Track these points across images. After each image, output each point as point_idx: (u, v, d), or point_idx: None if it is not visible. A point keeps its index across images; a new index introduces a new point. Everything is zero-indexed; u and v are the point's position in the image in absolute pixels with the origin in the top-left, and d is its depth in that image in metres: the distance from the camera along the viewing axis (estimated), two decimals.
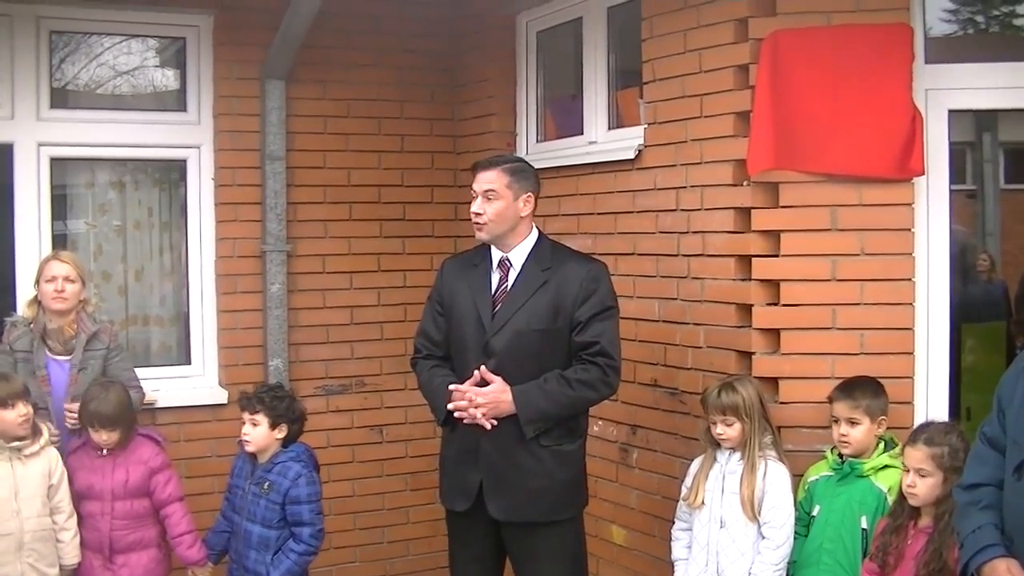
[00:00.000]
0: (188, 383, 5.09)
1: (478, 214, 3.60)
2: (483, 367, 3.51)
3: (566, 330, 3.56)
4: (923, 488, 3.18)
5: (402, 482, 5.44)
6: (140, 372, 4.44)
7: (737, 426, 3.57)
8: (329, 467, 4.96)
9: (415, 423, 5.35)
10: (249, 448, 4.04)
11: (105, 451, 3.97)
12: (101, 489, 3.94)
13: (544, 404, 3.50)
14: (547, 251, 3.67)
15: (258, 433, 4.01)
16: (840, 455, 3.53)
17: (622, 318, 4.22)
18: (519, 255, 3.66)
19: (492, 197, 3.58)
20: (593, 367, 3.53)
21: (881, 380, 3.58)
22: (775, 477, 3.52)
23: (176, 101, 5.20)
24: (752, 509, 3.50)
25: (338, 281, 5.31)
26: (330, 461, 5.05)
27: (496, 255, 3.68)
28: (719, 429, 3.60)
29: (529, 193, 3.65)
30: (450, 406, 3.53)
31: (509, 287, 3.62)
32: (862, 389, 3.52)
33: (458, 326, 3.67)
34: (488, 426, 3.50)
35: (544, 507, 3.57)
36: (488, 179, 3.60)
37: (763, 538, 3.51)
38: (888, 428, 3.54)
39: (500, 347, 3.55)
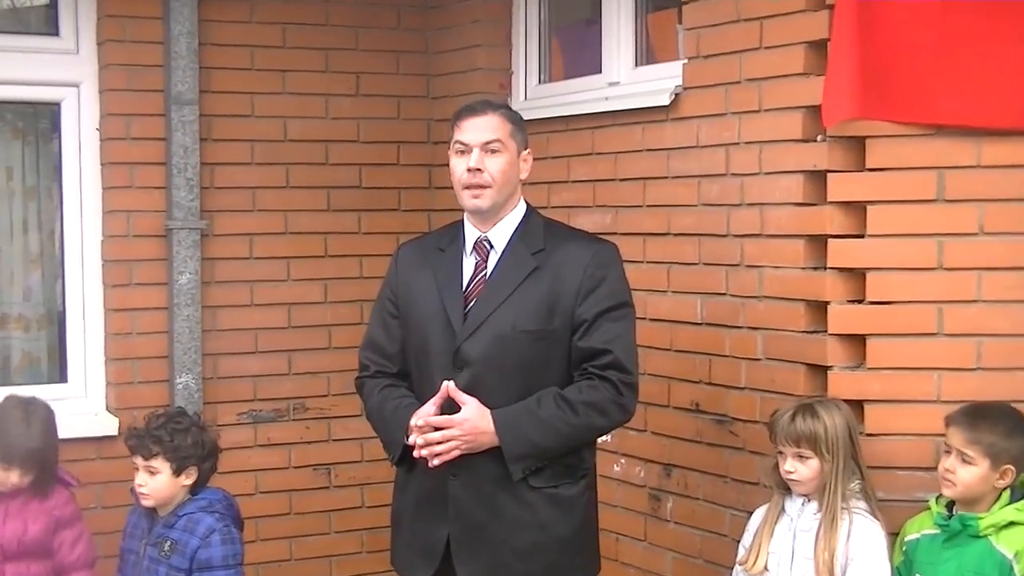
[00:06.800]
0: (64, 408, 4.96)
1: (479, 171, 3.56)
2: (450, 384, 3.49)
3: (565, 333, 3.54)
4: None
5: (356, 541, 5.46)
6: None
7: (814, 463, 3.57)
8: (257, 521, 5.01)
9: (373, 462, 5.34)
10: (147, 503, 4.04)
11: None
12: None
13: (538, 435, 3.48)
14: (538, 229, 3.66)
15: (158, 483, 4.00)
16: (949, 506, 3.50)
17: (652, 320, 4.30)
18: (502, 234, 3.64)
19: (498, 149, 3.58)
20: (604, 384, 3.51)
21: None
22: (865, 537, 3.51)
23: (44, 21, 5.17)
24: None
25: (271, 270, 5.32)
26: (259, 513, 5.07)
27: (471, 234, 3.67)
28: (788, 466, 3.60)
29: (528, 151, 3.69)
30: (410, 440, 3.51)
31: (488, 276, 3.61)
32: (991, 421, 3.46)
33: (418, 330, 3.65)
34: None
35: (536, 571, 3.55)
36: (490, 125, 3.58)
37: None
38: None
39: (475, 356, 3.53)
